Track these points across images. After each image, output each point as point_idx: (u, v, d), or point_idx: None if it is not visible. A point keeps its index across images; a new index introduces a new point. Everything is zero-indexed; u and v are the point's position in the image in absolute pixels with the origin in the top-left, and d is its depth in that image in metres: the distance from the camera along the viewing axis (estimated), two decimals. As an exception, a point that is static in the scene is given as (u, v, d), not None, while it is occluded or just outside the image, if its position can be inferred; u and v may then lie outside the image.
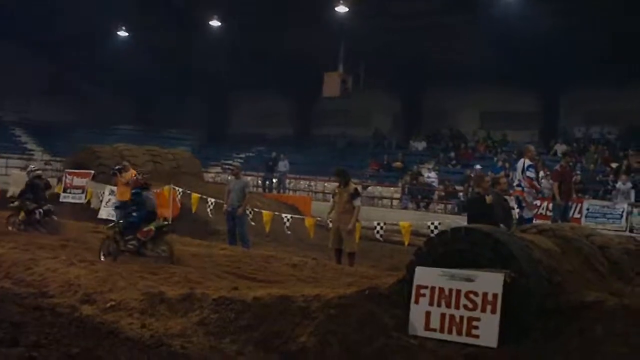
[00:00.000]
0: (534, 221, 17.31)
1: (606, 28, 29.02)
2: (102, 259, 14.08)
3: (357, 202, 15.36)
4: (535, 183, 17.45)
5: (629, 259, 8.76)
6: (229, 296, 9.47)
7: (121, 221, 15.25)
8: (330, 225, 15.84)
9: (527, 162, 17.23)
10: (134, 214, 14.75)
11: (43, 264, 12.22)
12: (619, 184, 26.58)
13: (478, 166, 30.47)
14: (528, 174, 17.09)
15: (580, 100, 34.28)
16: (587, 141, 33.83)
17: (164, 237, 14.52)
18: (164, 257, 14.04)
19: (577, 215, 24.77)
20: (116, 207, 20.13)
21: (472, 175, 26.30)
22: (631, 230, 24.04)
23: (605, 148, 32.29)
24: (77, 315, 9.49)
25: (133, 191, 15.25)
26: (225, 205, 18.39)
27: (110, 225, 15.72)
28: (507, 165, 30.30)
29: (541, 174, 28.76)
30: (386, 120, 41.81)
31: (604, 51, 29.51)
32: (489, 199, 12.85)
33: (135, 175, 18.59)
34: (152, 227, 14.34)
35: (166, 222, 16.11)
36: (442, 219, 21.32)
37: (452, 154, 36.22)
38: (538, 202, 22.27)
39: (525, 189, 16.98)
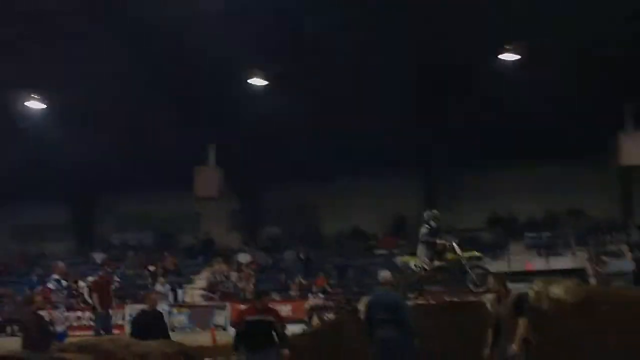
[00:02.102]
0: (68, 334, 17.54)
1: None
2: None
3: None
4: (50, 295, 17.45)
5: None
6: None
7: None
8: None
9: (56, 276, 18.01)
10: None
11: None
12: (157, 286, 27.28)
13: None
14: (49, 285, 17.72)
15: (114, 207, 35.12)
16: (125, 247, 34.43)
17: None
18: None
19: (120, 322, 24.89)
20: None
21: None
22: (172, 330, 24.67)
23: (143, 253, 33.16)
24: None
25: None
26: None
27: None
28: (47, 280, 29.45)
29: (81, 283, 28.50)
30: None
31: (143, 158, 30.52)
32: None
33: None
34: None
35: None
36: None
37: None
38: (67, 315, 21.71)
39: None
